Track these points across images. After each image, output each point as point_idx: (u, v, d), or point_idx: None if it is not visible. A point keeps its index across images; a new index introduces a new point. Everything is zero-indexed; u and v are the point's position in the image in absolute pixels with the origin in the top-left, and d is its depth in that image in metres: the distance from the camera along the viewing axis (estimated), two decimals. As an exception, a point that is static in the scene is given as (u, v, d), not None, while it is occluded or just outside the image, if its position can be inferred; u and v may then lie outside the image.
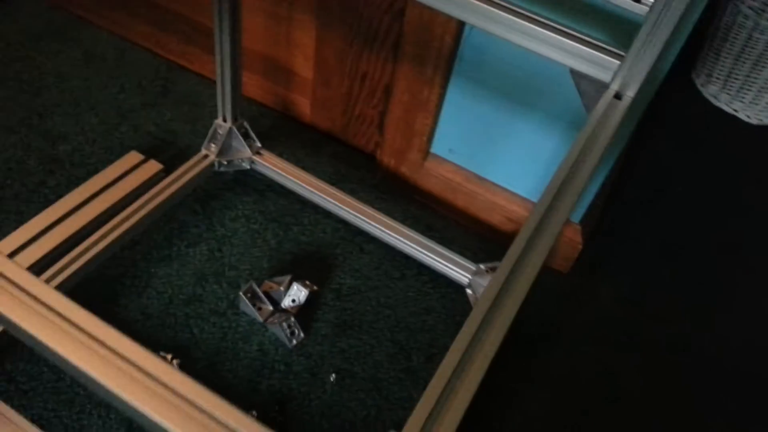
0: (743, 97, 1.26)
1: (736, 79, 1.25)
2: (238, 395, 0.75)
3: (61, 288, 0.76)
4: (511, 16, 0.59)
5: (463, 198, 0.97)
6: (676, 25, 0.52)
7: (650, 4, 0.52)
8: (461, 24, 0.79)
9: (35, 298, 0.36)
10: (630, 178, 1.14)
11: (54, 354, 0.34)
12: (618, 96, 0.57)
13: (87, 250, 0.79)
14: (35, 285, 0.36)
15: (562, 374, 0.85)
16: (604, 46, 0.57)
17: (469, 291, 0.87)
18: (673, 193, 1.14)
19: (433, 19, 0.80)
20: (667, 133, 1.25)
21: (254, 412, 0.73)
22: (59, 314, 0.35)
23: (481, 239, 0.97)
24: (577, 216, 0.92)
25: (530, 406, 0.81)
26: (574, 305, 0.93)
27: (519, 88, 0.82)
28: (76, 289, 0.78)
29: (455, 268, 0.88)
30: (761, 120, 1.28)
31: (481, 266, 0.86)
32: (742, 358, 0.91)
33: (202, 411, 0.33)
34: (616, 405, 0.83)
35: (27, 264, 0.78)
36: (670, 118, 1.28)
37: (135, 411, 0.33)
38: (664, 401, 0.84)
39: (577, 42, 0.57)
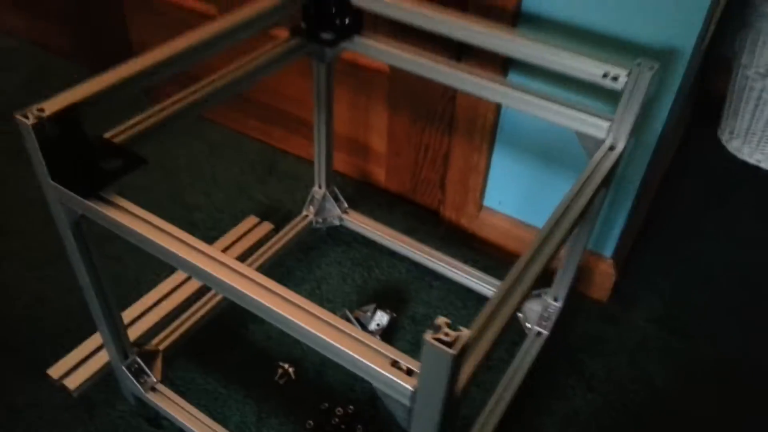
0: (763, 149, 1.43)
1: (754, 134, 1.42)
2: (339, 393, 0.96)
3: (208, 313, 1.02)
4: (530, 97, 0.82)
5: (513, 242, 1.18)
6: (644, 94, 0.74)
7: (624, 83, 0.74)
8: (499, 104, 1.04)
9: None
10: (662, 221, 1.31)
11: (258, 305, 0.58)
12: (612, 148, 0.79)
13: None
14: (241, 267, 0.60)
15: (603, 380, 1.01)
16: (597, 113, 0.79)
17: (519, 315, 1.06)
18: (701, 229, 1.30)
19: (477, 101, 1.05)
20: (694, 182, 1.42)
21: (326, 404, 0.94)
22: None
23: (501, 263, 1.16)
24: (609, 251, 1.10)
25: (575, 403, 0.98)
26: (611, 326, 1.10)
27: (548, 148, 1.05)
28: (220, 315, 1.04)
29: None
30: (782, 168, 1.44)
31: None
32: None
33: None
34: (648, 404, 0.98)
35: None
36: (697, 169, 1.46)
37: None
38: (690, 402, 0.99)
39: (577, 111, 0.79)
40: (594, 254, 1.11)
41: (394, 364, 0.51)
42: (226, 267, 0.58)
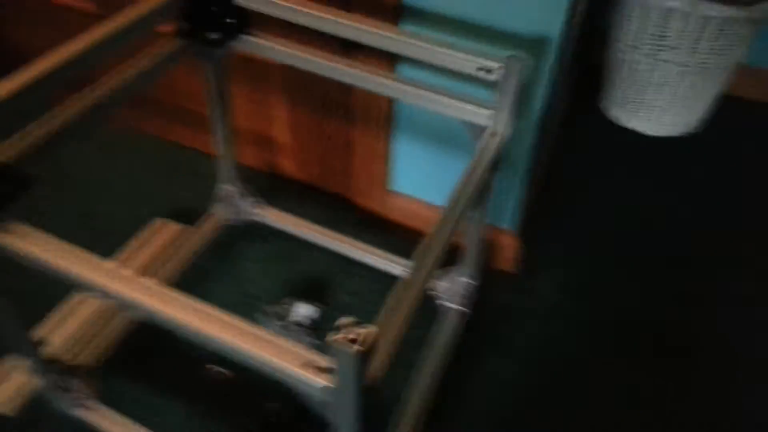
0: (637, 115, 1.57)
1: (628, 101, 1.55)
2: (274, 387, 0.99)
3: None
4: (416, 90, 0.87)
5: (421, 222, 1.24)
6: (516, 84, 0.80)
7: (497, 75, 0.80)
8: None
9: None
10: (554, 191, 1.42)
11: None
12: (494, 134, 0.85)
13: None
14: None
15: (518, 346, 1.10)
16: (479, 102, 0.85)
17: (432, 292, 1.13)
18: (589, 195, 1.42)
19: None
20: (580, 151, 1.54)
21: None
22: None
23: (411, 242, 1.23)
24: (508, 224, 1.19)
25: (495, 369, 1.06)
26: (521, 296, 1.18)
27: (442, 133, 1.11)
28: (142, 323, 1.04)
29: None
30: (656, 132, 1.58)
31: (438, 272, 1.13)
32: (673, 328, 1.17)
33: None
34: (559, 363, 1.08)
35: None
36: (582, 139, 1.58)
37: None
38: (607, 360, 1.10)
39: (461, 102, 0.85)
40: (497, 229, 1.19)
41: (307, 363, 0.55)
42: (122, 281, 0.59)
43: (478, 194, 0.88)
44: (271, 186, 1.35)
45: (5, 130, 0.70)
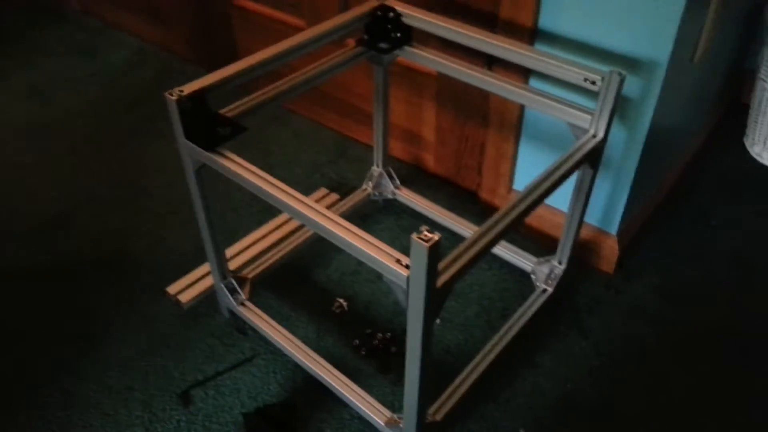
0: (781, 154, 1.57)
1: (773, 139, 1.57)
2: (381, 323, 1.23)
3: (287, 254, 1.32)
4: (536, 96, 1.06)
5: (536, 221, 1.41)
6: (615, 95, 0.96)
7: (599, 86, 0.97)
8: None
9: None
10: (674, 209, 1.49)
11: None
12: (594, 136, 1.02)
13: (295, 240, 1.36)
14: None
15: (597, 331, 1.22)
16: (582, 108, 1.02)
17: (532, 276, 1.29)
18: (709, 219, 1.47)
19: (505, 100, 1.29)
20: (712, 180, 1.59)
21: (369, 330, 1.21)
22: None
23: (544, 245, 1.39)
24: (613, 229, 1.31)
25: (569, 347, 1.19)
26: (612, 293, 1.30)
27: (563, 140, 1.27)
28: (297, 257, 1.34)
29: (523, 260, 1.31)
30: (800, 171, 1.58)
31: (540, 259, 1.29)
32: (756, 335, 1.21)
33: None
34: (633, 357, 1.18)
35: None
36: (718, 170, 1.62)
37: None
38: (674, 356, 1.18)
39: (567, 107, 1.03)
40: (602, 232, 1.32)
41: (398, 261, 0.77)
42: (307, 206, 0.86)
43: (577, 187, 1.04)
44: (414, 175, 1.60)
45: (232, 97, 1.03)
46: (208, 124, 0.97)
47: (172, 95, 0.92)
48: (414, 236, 0.71)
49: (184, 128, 0.95)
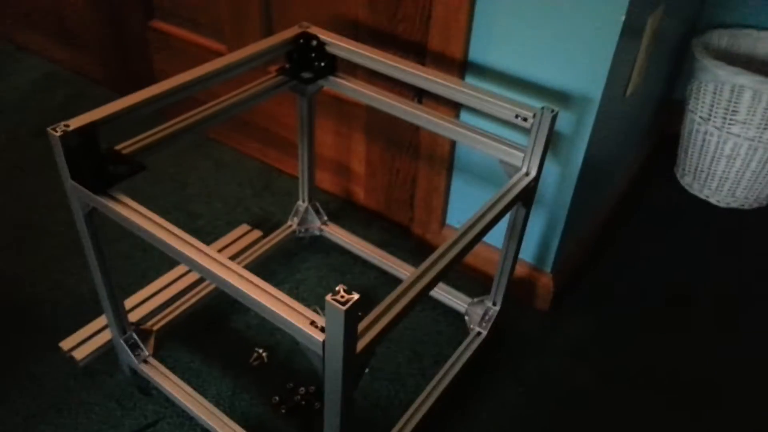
0: (710, 185, 1.58)
1: (702, 171, 1.57)
2: (304, 375, 1.13)
3: (197, 303, 1.20)
4: (467, 132, 0.99)
5: (469, 257, 1.34)
6: (547, 132, 0.91)
7: (531, 123, 0.92)
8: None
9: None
10: (610, 244, 1.46)
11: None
12: (524, 174, 0.96)
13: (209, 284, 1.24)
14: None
15: (534, 376, 1.16)
16: (514, 145, 0.96)
17: (466, 317, 1.22)
18: (644, 253, 1.45)
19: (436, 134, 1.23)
20: (645, 213, 1.57)
21: (291, 384, 1.11)
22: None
23: (478, 283, 1.33)
24: (548, 267, 1.26)
25: (506, 395, 1.12)
26: (547, 333, 1.25)
27: (495, 175, 1.22)
28: (208, 305, 1.22)
29: (457, 301, 1.24)
30: (728, 204, 1.58)
31: (474, 299, 1.22)
32: (689, 366, 1.18)
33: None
34: (571, 401, 1.13)
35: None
36: (650, 202, 1.61)
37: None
38: (616, 402, 1.13)
39: (500, 143, 0.97)
40: (536, 269, 1.27)
41: (312, 323, 0.68)
42: (207, 256, 0.75)
43: (510, 226, 0.98)
44: (343, 209, 1.51)
45: (130, 131, 0.91)
46: (98, 162, 0.85)
47: (56, 131, 0.80)
48: (329, 298, 0.62)
49: (69, 168, 0.83)
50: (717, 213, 1.59)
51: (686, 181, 1.65)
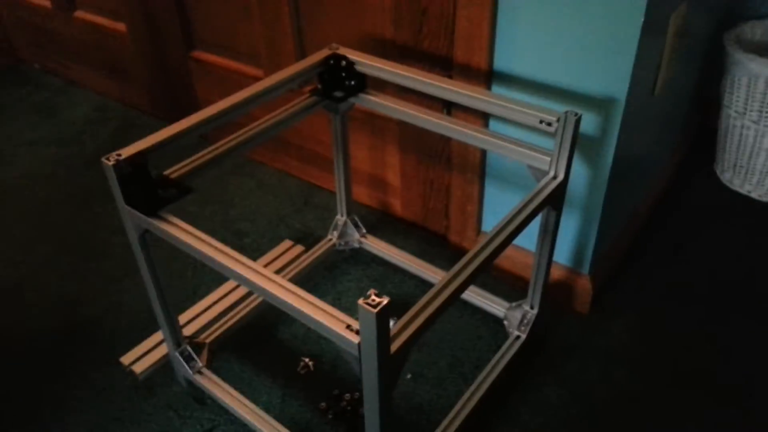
0: (750, 180, 1.55)
1: (741, 166, 1.55)
2: (349, 382, 1.17)
3: (246, 316, 1.26)
4: (495, 140, 1.02)
5: (506, 262, 1.36)
6: (572, 135, 0.93)
7: (555, 128, 0.94)
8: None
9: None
10: (650, 243, 1.46)
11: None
12: (555, 177, 0.98)
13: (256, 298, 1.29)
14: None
15: (576, 378, 1.17)
16: (541, 150, 0.98)
17: (505, 322, 1.24)
18: (685, 251, 1.43)
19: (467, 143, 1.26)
20: (685, 210, 1.56)
21: (337, 390, 1.15)
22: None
23: (517, 287, 1.34)
24: (585, 269, 1.27)
25: (547, 396, 1.14)
26: (587, 335, 1.25)
27: (526, 179, 1.24)
28: (256, 318, 1.28)
29: (495, 306, 1.26)
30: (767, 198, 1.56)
31: (512, 304, 1.24)
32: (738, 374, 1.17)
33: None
34: (611, 402, 1.13)
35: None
36: (690, 199, 1.59)
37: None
38: (660, 403, 1.13)
39: (527, 149, 0.99)
40: (574, 272, 1.28)
41: (348, 327, 0.72)
42: (254, 272, 0.79)
43: (542, 229, 1.01)
44: (380, 221, 1.55)
45: (176, 155, 0.98)
46: (149, 187, 0.92)
47: (109, 160, 0.87)
48: (361, 302, 0.66)
49: (123, 194, 0.90)
50: (760, 208, 1.56)
51: (726, 177, 1.62)
